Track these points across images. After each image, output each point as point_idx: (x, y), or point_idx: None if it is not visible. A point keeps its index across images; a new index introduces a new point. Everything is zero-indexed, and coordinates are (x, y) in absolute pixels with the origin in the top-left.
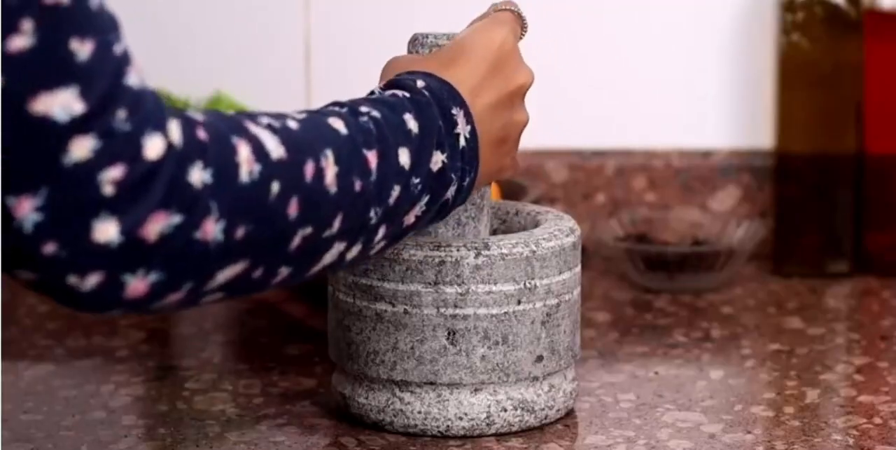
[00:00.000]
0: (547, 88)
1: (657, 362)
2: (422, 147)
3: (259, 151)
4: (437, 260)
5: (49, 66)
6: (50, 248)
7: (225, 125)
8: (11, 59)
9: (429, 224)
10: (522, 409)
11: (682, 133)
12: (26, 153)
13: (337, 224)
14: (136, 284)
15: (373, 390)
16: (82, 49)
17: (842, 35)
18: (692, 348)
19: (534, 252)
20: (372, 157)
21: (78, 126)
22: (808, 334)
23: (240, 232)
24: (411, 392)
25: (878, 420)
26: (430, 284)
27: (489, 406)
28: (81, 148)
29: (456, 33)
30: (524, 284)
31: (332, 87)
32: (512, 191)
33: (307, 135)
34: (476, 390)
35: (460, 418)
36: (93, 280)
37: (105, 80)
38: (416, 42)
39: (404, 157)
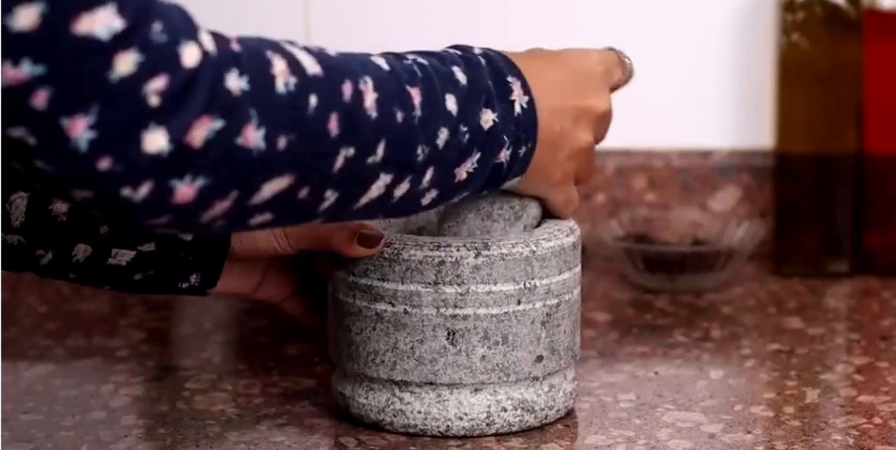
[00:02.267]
0: None
1: (657, 362)
2: (469, 99)
3: (295, 65)
4: (436, 260)
5: None
6: (105, 163)
7: (258, 42)
8: None
9: (482, 189)
10: (522, 409)
11: (682, 133)
12: (75, 73)
13: (381, 151)
14: (185, 190)
15: (373, 390)
16: None
17: (842, 35)
18: (692, 348)
19: (534, 252)
20: (415, 93)
21: (120, 42)
22: (808, 334)
23: (281, 142)
24: (411, 392)
25: (878, 420)
26: (429, 284)
27: (489, 406)
28: (126, 62)
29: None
30: (524, 284)
31: None
32: None
33: (345, 60)
34: (476, 390)
35: (460, 418)
36: (144, 190)
37: None
38: None
39: (451, 103)
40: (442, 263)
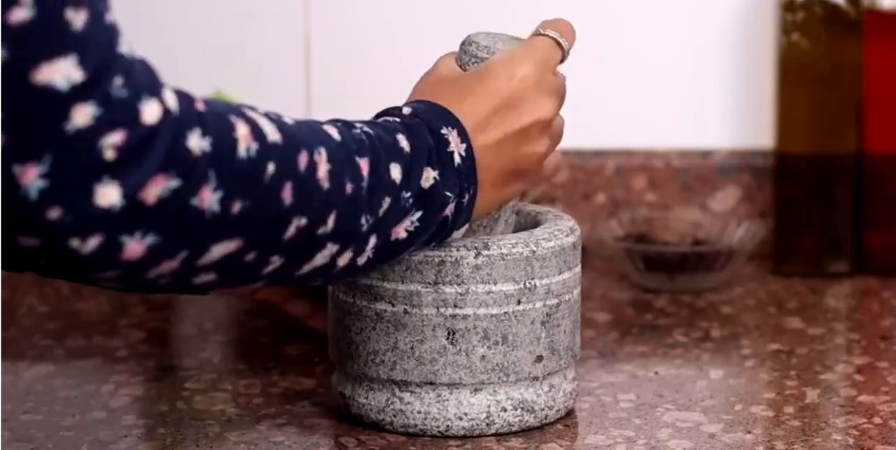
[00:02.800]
0: None
1: (657, 362)
2: (413, 164)
3: (257, 131)
4: (436, 260)
5: (48, 37)
6: (54, 213)
7: (223, 106)
8: (13, 30)
9: (430, 243)
10: (522, 409)
11: (682, 133)
12: (30, 122)
13: (331, 222)
14: (134, 246)
15: (373, 390)
16: (77, 18)
17: (842, 35)
18: (692, 348)
19: (534, 252)
20: (364, 164)
21: (78, 94)
22: (808, 334)
23: (236, 206)
24: (411, 392)
25: (878, 420)
26: (429, 283)
27: (489, 406)
28: (83, 115)
29: (507, 37)
30: (524, 284)
31: (332, 88)
32: None
33: (301, 130)
34: (476, 390)
35: (460, 418)
36: (93, 243)
37: (100, 49)
38: (462, 45)
39: (395, 171)
40: (442, 262)
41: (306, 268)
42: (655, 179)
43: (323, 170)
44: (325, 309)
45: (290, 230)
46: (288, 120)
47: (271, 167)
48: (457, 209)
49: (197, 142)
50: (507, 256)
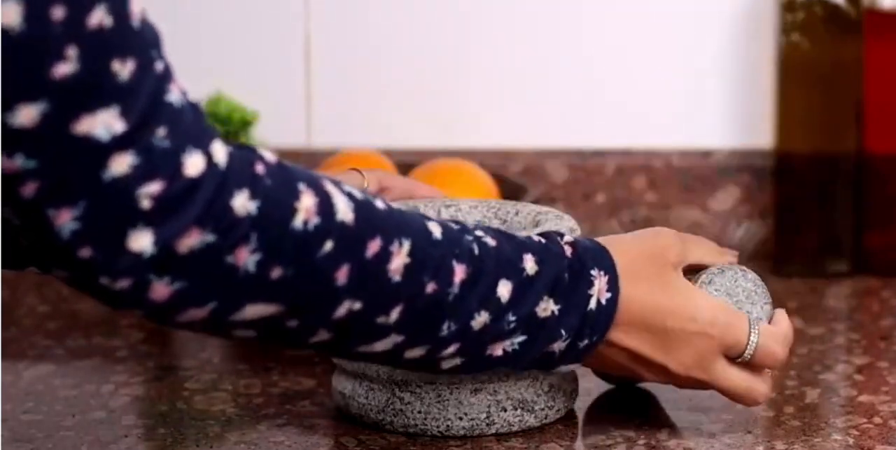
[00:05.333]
0: (547, 88)
1: None
2: (529, 288)
3: (325, 206)
4: None
5: (91, 90)
6: (85, 252)
7: (300, 173)
8: (56, 84)
9: (525, 368)
10: (522, 409)
11: (682, 133)
12: (67, 169)
13: (395, 315)
14: (160, 288)
15: (373, 389)
16: (124, 69)
17: (842, 35)
18: None
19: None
20: (460, 270)
21: (118, 144)
22: (808, 334)
23: (275, 272)
24: (411, 392)
25: (878, 420)
26: None
27: (489, 406)
28: (121, 164)
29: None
30: None
31: (332, 88)
32: (512, 191)
33: (388, 218)
34: (476, 390)
35: (460, 418)
36: (124, 283)
37: (145, 99)
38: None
39: (503, 289)
40: None
41: (364, 349)
42: (655, 179)
43: (398, 263)
44: None
45: (341, 310)
46: (379, 204)
47: (329, 245)
48: (568, 348)
49: (243, 202)
50: None
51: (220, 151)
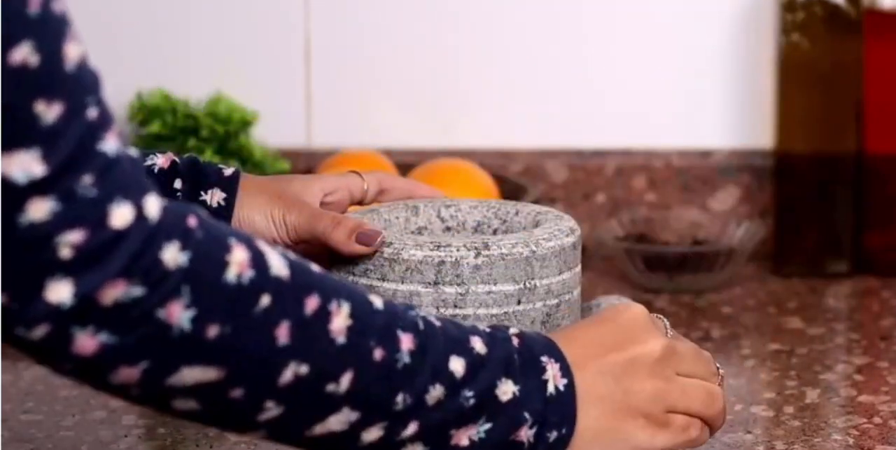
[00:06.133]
0: (547, 88)
1: None
2: (483, 367)
3: (259, 261)
4: (436, 260)
5: (11, 129)
6: (3, 298)
7: (231, 230)
8: None
9: None
10: None
11: (682, 133)
12: None
13: (345, 382)
14: (86, 341)
15: None
16: (49, 112)
17: (842, 35)
18: None
19: (534, 252)
20: (406, 339)
21: (37, 188)
22: (808, 334)
23: (212, 330)
24: None
25: (878, 420)
26: (429, 284)
27: None
28: (39, 209)
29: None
30: (524, 284)
31: (332, 88)
32: (512, 191)
33: (324, 278)
34: None
35: None
36: (40, 331)
37: (72, 144)
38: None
39: (457, 364)
40: (442, 263)
41: (319, 429)
42: (655, 179)
43: (340, 324)
44: None
45: (287, 374)
46: (314, 267)
47: (265, 300)
48: (537, 439)
49: (173, 254)
50: (507, 256)
51: (152, 205)
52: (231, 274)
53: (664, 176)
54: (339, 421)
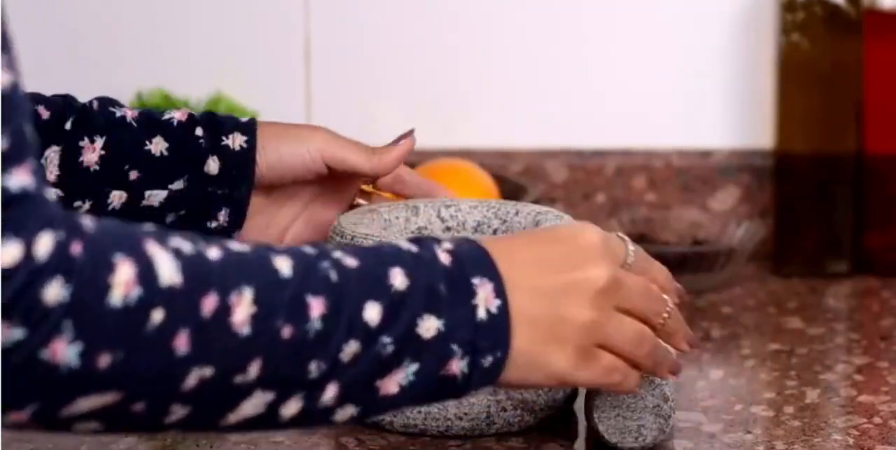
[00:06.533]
0: (547, 88)
1: None
2: (402, 306)
3: (146, 274)
4: None
5: None
6: None
7: (115, 240)
8: None
9: (429, 401)
10: (522, 409)
11: (682, 133)
12: None
13: (254, 370)
14: None
15: None
16: None
17: (842, 35)
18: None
19: None
20: (317, 304)
21: None
22: (808, 334)
23: (104, 360)
24: None
25: (878, 420)
26: None
27: (489, 406)
28: None
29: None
30: None
31: (332, 88)
32: (512, 191)
33: (224, 267)
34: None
35: (460, 418)
36: None
37: None
38: None
39: (371, 312)
40: None
41: (233, 417)
42: (655, 179)
43: (243, 314)
44: None
45: (191, 380)
46: (213, 253)
47: (158, 315)
48: (472, 368)
49: (55, 291)
50: None
51: (44, 244)
52: (116, 297)
53: (664, 176)
54: (253, 405)
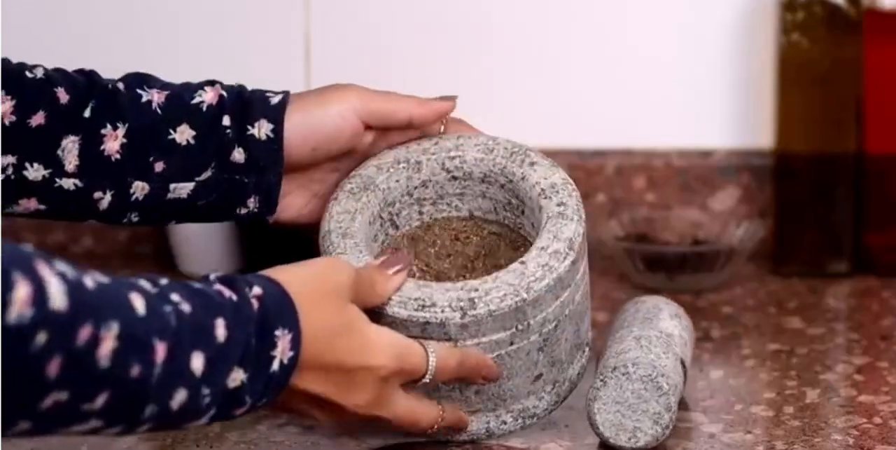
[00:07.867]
0: (547, 88)
1: None
2: (222, 358)
3: (38, 295)
4: (421, 320)
5: None
6: None
7: (11, 259)
8: None
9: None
10: (524, 416)
11: (682, 133)
12: None
13: (100, 402)
14: None
15: None
16: None
17: (842, 35)
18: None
19: (525, 299)
20: (161, 349)
21: None
22: (808, 334)
23: None
24: None
25: (878, 420)
26: (416, 336)
27: (488, 422)
28: None
29: None
30: (515, 328)
31: None
32: None
33: (99, 299)
34: (474, 411)
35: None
36: None
37: None
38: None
39: (197, 362)
40: (427, 323)
41: (61, 433)
42: (655, 179)
43: (106, 347)
44: None
45: (47, 402)
46: (89, 282)
47: (41, 338)
48: (246, 412)
49: None
50: (495, 312)
51: None
52: (11, 315)
53: (664, 176)
54: (81, 429)
